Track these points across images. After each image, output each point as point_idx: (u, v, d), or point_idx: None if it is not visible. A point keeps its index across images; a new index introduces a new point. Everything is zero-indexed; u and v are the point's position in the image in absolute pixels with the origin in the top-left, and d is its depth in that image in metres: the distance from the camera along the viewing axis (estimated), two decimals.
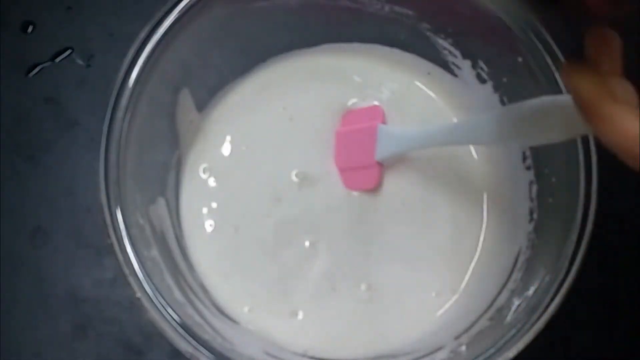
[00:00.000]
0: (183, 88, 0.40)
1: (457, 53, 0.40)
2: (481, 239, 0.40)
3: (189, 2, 0.35)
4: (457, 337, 0.36)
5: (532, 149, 0.38)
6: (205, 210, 0.41)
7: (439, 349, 0.36)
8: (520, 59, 0.36)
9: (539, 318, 0.32)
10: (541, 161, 0.37)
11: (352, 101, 0.42)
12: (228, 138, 0.42)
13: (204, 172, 0.42)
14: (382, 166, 0.41)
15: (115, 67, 0.35)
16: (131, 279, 0.33)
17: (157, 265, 0.35)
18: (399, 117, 0.41)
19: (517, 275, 0.37)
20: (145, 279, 0.33)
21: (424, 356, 0.36)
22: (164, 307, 0.32)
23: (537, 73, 0.35)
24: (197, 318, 0.35)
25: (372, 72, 0.43)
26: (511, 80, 0.38)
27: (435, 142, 0.38)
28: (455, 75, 0.42)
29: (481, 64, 0.39)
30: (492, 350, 0.32)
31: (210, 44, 0.39)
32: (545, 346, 0.40)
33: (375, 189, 0.41)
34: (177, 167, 0.41)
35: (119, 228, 0.33)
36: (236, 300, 0.39)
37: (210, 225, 0.41)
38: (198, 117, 0.42)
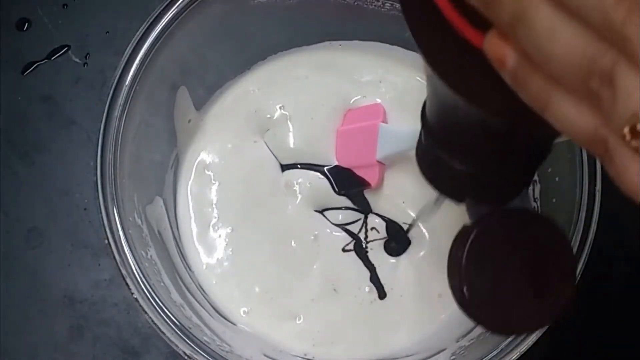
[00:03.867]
0: (181, 86, 0.39)
1: None
2: None
3: None
4: (459, 340, 0.36)
5: None
6: (203, 210, 0.41)
7: (441, 351, 0.36)
8: None
9: None
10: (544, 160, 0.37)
11: (353, 99, 0.42)
12: (226, 137, 0.42)
13: (202, 171, 0.41)
14: (383, 165, 0.40)
15: (111, 65, 0.35)
16: (128, 280, 0.32)
17: (154, 265, 0.35)
18: (401, 116, 0.41)
19: None
20: (142, 279, 0.32)
21: (425, 358, 0.36)
22: (161, 308, 0.32)
23: None
24: (195, 320, 0.35)
25: (373, 70, 0.42)
26: None
27: None
28: None
29: None
30: (494, 353, 0.32)
31: (208, 41, 0.39)
32: (548, 348, 0.40)
33: (376, 188, 0.40)
34: (175, 167, 0.41)
35: (116, 228, 0.33)
36: (234, 302, 0.39)
37: (209, 225, 0.40)
38: (196, 116, 0.42)
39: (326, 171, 0.41)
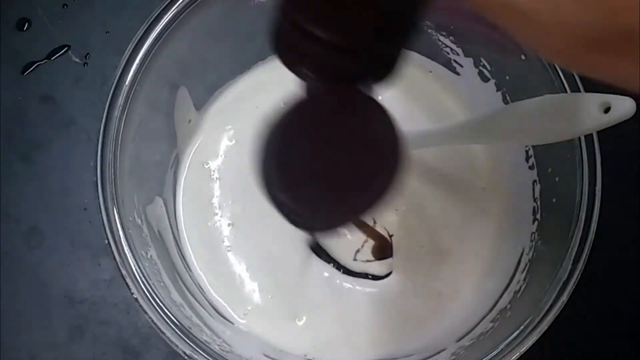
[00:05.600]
0: (181, 86, 0.39)
1: (458, 51, 0.40)
2: (484, 239, 0.40)
3: None
4: (458, 340, 0.36)
5: (535, 147, 0.38)
6: (203, 209, 0.41)
7: (441, 351, 0.36)
8: (523, 57, 0.35)
9: (542, 320, 0.32)
10: (544, 160, 0.37)
11: None
12: (227, 136, 0.42)
13: (202, 170, 0.41)
14: None
15: (112, 65, 0.35)
16: (128, 280, 0.32)
17: (154, 265, 0.35)
18: (400, 116, 0.41)
19: (520, 276, 0.36)
20: (142, 279, 0.32)
21: (425, 358, 0.36)
22: (161, 308, 0.32)
23: (540, 71, 0.34)
24: (195, 319, 0.35)
25: None
26: (514, 79, 0.38)
27: (436, 141, 0.37)
28: (458, 74, 0.41)
29: (483, 62, 0.39)
30: (494, 353, 0.32)
31: (208, 41, 0.39)
32: (548, 349, 0.40)
33: None
34: (175, 166, 0.41)
35: (116, 228, 0.33)
36: (234, 302, 0.39)
37: (209, 224, 0.40)
38: (196, 116, 0.42)
39: None
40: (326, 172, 0.22)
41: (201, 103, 0.42)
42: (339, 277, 0.39)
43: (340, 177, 0.22)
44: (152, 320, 0.32)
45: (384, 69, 0.23)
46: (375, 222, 0.40)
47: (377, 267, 0.40)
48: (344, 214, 0.23)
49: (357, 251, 0.40)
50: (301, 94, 0.23)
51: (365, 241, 0.40)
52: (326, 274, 0.39)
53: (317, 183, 0.22)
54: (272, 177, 0.22)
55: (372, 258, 0.40)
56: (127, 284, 0.32)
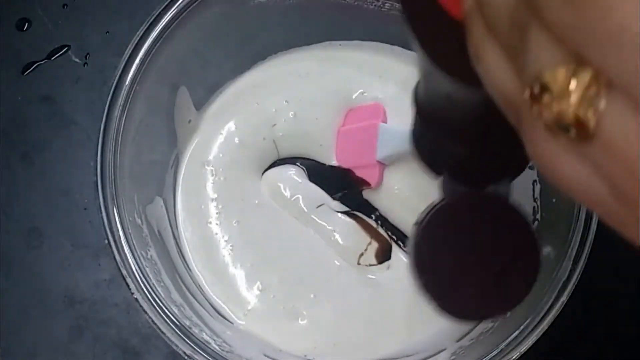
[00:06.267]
0: (181, 86, 0.39)
1: None
2: None
3: None
4: (458, 340, 0.36)
5: None
6: (203, 209, 0.41)
7: (441, 351, 0.36)
8: None
9: (541, 320, 0.32)
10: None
11: (353, 99, 0.42)
12: (227, 136, 0.42)
13: (202, 170, 0.41)
14: (384, 165, 0.40)
15: (112, 65, 0.35)
16: (128, 280, 0.32)
17: (154, 265, 0.35)
18: (400, 116, 0.41)
19: None
20: (142, 279, 0.32)
21: (425, 358, 0.36)
22: (161, 308, 0.32)
23: None
24: (195, 319, 0.35)
25: (372, 70, 0.42)
26: None
27: None
28: None
29: None
30: (494, 353, 0.32)
31: (208, 41, 0.39)
32: (547, 349, 0.40)
33: (376, 187, 0.40)
34: (175, 166, 0.41)
35: (116, 228, 0.33)
36: (234, 302, 0.39)
37: (209, 224, 0.40)
38: (196, 116, 0.42)
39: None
40: (469, 270, 0.24)
41: (201, 103, 0.42)
42: (341, 277, 0.39)
43: (481, 275, 0.24)
44: (152, 320, 0.32)
45: (516, 167, 0.25)
46: (378, 224, 0.40)
47: (377, 270, 0.40)
48: (483, 311, 0.26)
49: (361, 255, 0.40)
50: (444, 199, 0.25)
51: (369, 244, 0.40)
52: (330, 271, 0.39)
53: (462, 279, 0.24)
54: (424, 273, 0.25)
55: (375, 262, 0.40)
56: (127, 284, 0.32)
